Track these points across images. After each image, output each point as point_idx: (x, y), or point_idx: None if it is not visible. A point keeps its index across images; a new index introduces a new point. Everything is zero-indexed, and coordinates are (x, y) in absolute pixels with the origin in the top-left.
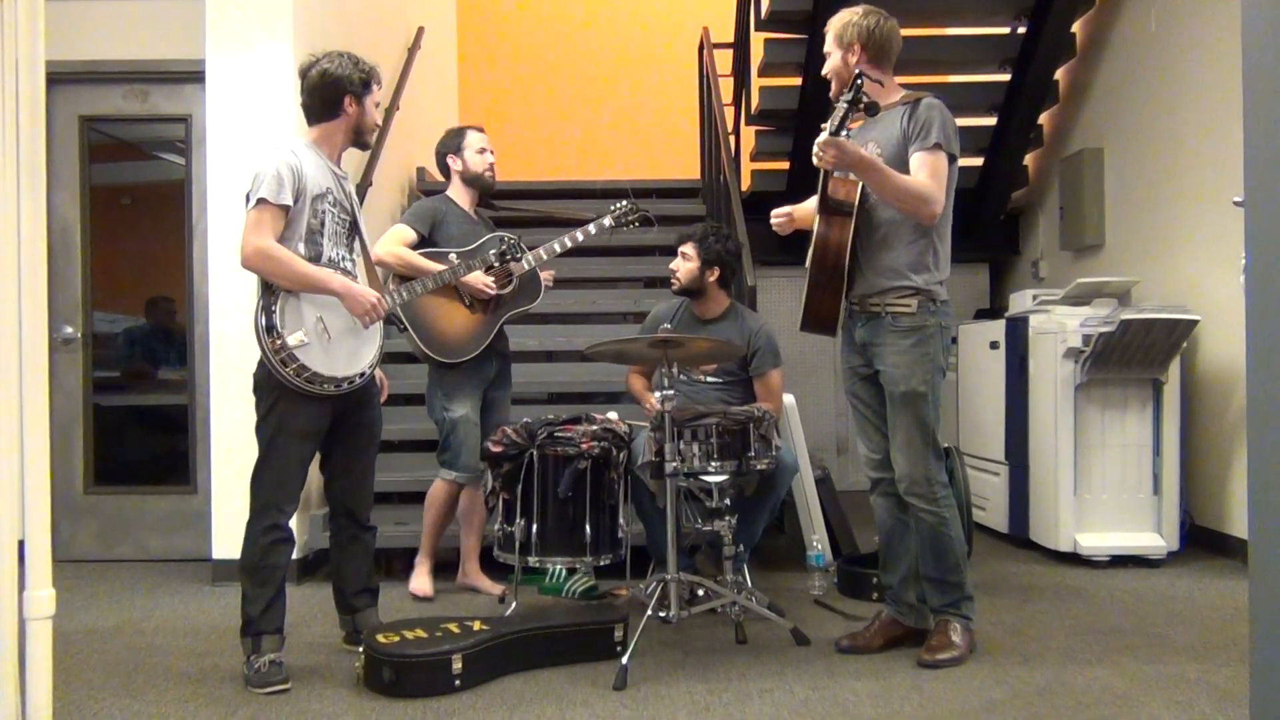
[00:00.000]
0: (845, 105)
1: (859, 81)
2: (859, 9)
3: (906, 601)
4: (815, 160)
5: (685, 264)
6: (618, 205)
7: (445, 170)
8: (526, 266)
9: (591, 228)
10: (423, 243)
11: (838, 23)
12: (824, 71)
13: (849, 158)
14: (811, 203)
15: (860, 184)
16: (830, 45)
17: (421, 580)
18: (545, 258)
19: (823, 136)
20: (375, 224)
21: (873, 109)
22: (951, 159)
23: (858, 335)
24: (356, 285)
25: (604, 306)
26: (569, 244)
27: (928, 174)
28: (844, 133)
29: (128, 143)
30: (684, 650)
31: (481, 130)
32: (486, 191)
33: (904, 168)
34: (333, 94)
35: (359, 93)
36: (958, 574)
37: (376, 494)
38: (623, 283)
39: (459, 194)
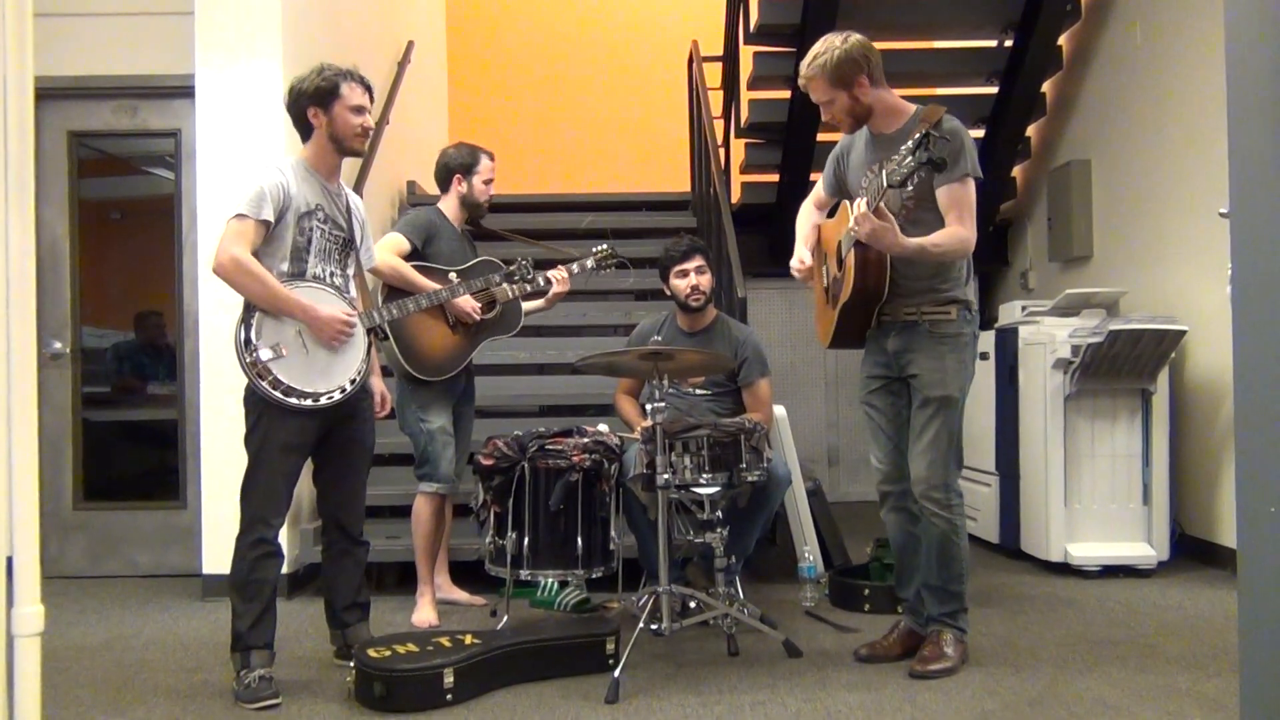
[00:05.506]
0: (913, 163)
1: (926, 140)
2: (833, 41)
3: (924, 613)
4: (852, 232)
5: (703, 276)
6: (599, 248)
7: (446, 183)
8: (511, 295)
9: (575, 267)
10: (413, 255)
11: (824, 65)
12: (829, 117)
13: (885, 244)
14: (809, 235)
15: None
16: (825, 91)
17: (426, 611)
18: (530, 290)
19: (861, 208)
20: None
21: (941, 165)
22: (976, 180)
23: (889, 344)
24: (322, 309)
25: (594, 319)
26: (553, 282)
27: (957, 215)
28: (909, 186)
29: (117, 158)
30: (676, 663)
31: (493, 159)
32: (478, 218)
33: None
34: (298, 110)
35: (321, 102)
36: (959, 584)
37: (367, 508)
38: (613, 295)
39: (451, 210)
